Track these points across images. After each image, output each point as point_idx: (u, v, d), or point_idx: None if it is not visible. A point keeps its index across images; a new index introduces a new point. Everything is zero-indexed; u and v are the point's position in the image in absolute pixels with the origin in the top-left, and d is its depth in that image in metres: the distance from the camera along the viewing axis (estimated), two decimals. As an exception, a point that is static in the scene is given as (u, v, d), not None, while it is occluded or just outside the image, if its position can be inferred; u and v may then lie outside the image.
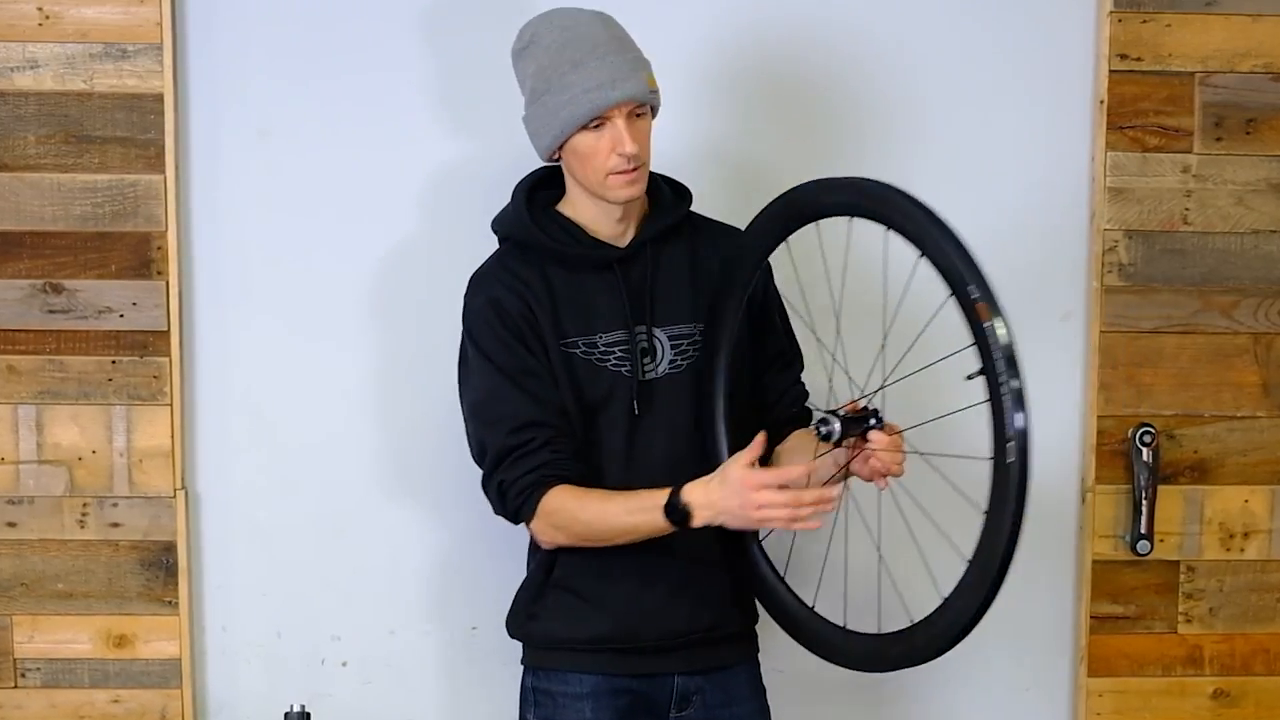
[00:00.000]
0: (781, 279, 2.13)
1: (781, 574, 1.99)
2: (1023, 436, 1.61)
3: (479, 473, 2.02)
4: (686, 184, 2.11)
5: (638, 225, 2.02)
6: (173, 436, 2.40)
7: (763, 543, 2.01)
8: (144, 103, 2.36)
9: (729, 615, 2.02)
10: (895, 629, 1.84)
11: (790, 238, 1.96)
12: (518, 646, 2.10)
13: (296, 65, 2.39)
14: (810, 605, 1.95)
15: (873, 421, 1.83)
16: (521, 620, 2.06)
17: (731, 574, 2.02)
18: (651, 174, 2.06)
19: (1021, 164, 2.46)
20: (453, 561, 2.45)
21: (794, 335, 2.14)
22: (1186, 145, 2.45)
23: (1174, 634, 2.52)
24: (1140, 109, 2.44)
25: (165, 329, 2.39)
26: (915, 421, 1.90)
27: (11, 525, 2.41)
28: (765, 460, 2.06)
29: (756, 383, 2.08)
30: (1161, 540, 2.47)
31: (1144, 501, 2.43)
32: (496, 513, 2.00)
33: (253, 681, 2.48)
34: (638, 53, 1.93)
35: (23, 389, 2.39)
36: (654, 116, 1.98)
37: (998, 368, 1.62)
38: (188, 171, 2.40)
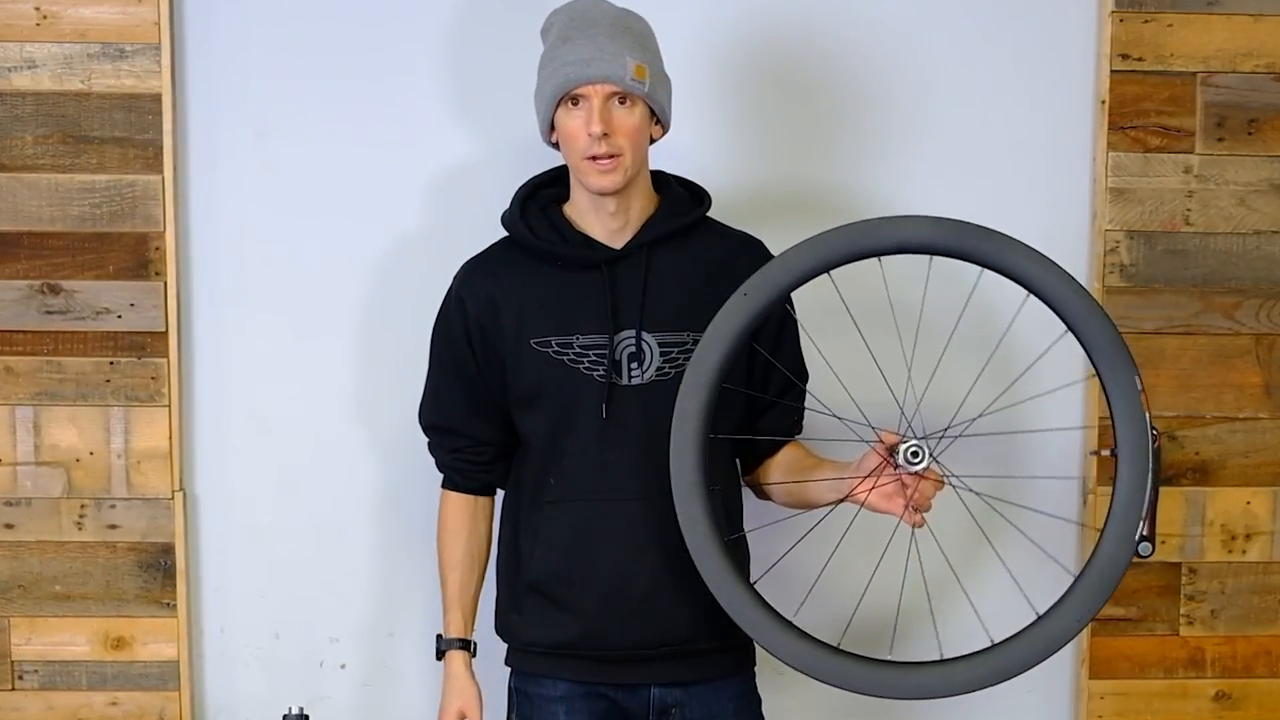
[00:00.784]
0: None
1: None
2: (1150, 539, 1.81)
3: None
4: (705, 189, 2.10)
5: (639, 226, 2.00)
6: (171, 438, 2.40)
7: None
8: (142, 103, 2.35)
9: (709, 629, 1.96)
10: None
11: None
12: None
13: (295, 65, 2.39)
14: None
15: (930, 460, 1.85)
16: (503, 621, 2.07)
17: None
18: (667, 175, 2.07)
19: (1022, 164, 2.46)
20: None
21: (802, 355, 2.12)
22: (1188, 146, 2.44)
23: (1176, 636, 2.51)
24: (1142, 109, 2.43)
25: (163, 330, 2.38)
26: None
27: (9, 527, 2.40)
28: (755, 462, 2.09)
29: (756, 402, 2.05)
30: (1163, 542, 2.45)
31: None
32: None
33: (251, 683, 2.47)
34: (637, 43, 1.90)
35: (20, 390, 2.39)
36: (664, 127, 1.96)
37: (1148, 465, 1.80)
38: (186, 172, 2.40)
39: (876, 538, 2.01)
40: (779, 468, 2.08)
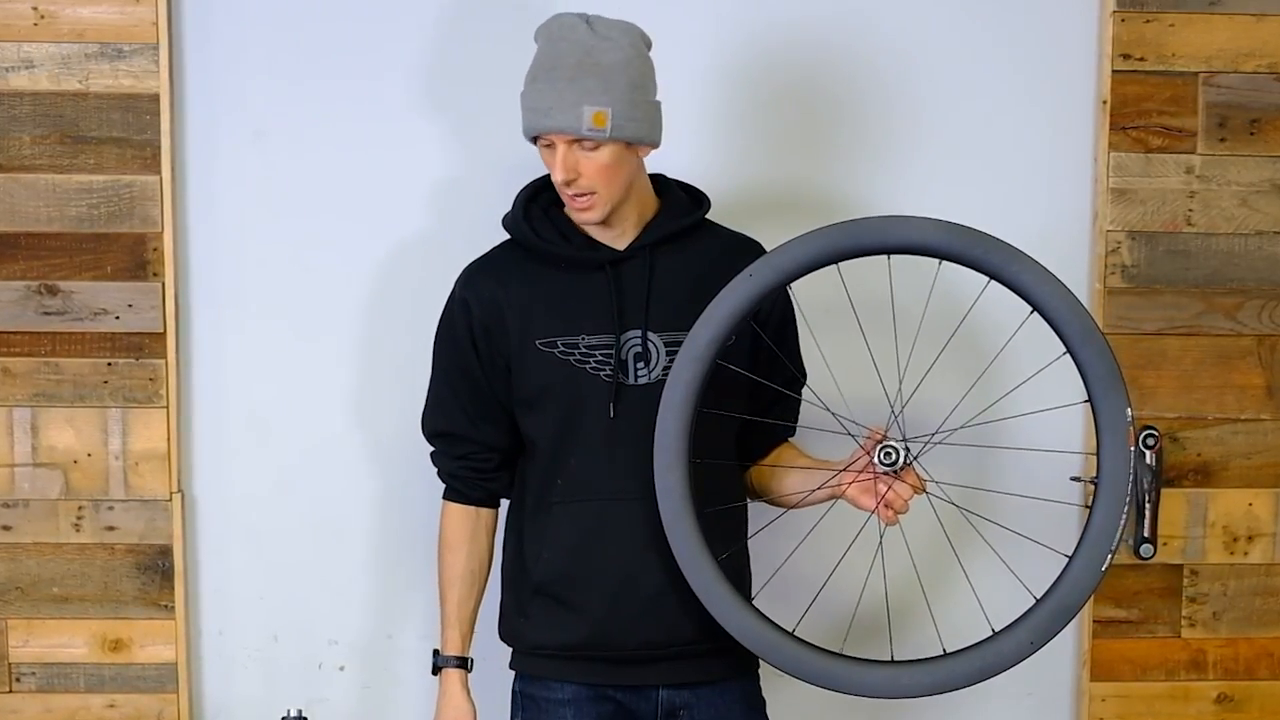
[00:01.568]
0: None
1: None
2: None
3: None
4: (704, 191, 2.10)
5: (640, 229, 2.00)
6: (169, 439, 2.39)
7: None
8: (140, 103, 2.34)
9: (714, 629, 1.94)
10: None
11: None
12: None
13: (293, 66, 2.38)
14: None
15: (910, 459, 1.88)
16: (508, 625, 2.07)
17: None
18: (667, 179, 2.07)
19: (1023, 164, 2.45)
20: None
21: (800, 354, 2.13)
22: (1190, 146, 2.43)
23: (1177, 638, 2.50)
24: (1143, 109, 2.42)
25: (161, 331, 2.38)
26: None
27: (6, 529, 2.40)
28: (747, 458, 2.09)
29: (755, 403, 2.05)
30: (1165, 544, 2.45)
31: (1147, 505, 2.41)
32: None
33: (250, 686, 2.47)
34: (601, 83, 1.85)
35: (18, 391, 2.38)
36: (649, 147, 1.95)
37: (1125, 498, 1.80)
38: (184, 172, 2.39)
39: (868, 537, 2.01)
40: (772, 468, 2.09)
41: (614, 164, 1.90)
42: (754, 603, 1.94)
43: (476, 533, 2.08)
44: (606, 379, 1.95)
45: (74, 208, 2.36)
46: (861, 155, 2.44)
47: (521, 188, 2.06)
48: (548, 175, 2.04)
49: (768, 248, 2.04)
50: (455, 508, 2.08)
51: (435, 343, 2.07)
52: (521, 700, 2.06)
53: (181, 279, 2.40)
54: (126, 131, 2.35)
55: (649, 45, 1.95)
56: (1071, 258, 2.44)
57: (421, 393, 2.10)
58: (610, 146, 1.88)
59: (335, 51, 2.38)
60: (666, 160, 2.07)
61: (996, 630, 1.87)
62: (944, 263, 1.85)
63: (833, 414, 1.98)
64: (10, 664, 2.42)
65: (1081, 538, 1.84)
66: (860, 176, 2.44)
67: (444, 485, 2.09)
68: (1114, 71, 2.41)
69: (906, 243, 1.83)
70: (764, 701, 2.12)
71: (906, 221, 1.84)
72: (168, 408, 2.39)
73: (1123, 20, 2.41)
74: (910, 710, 2.48)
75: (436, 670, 2.09)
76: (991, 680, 2.50)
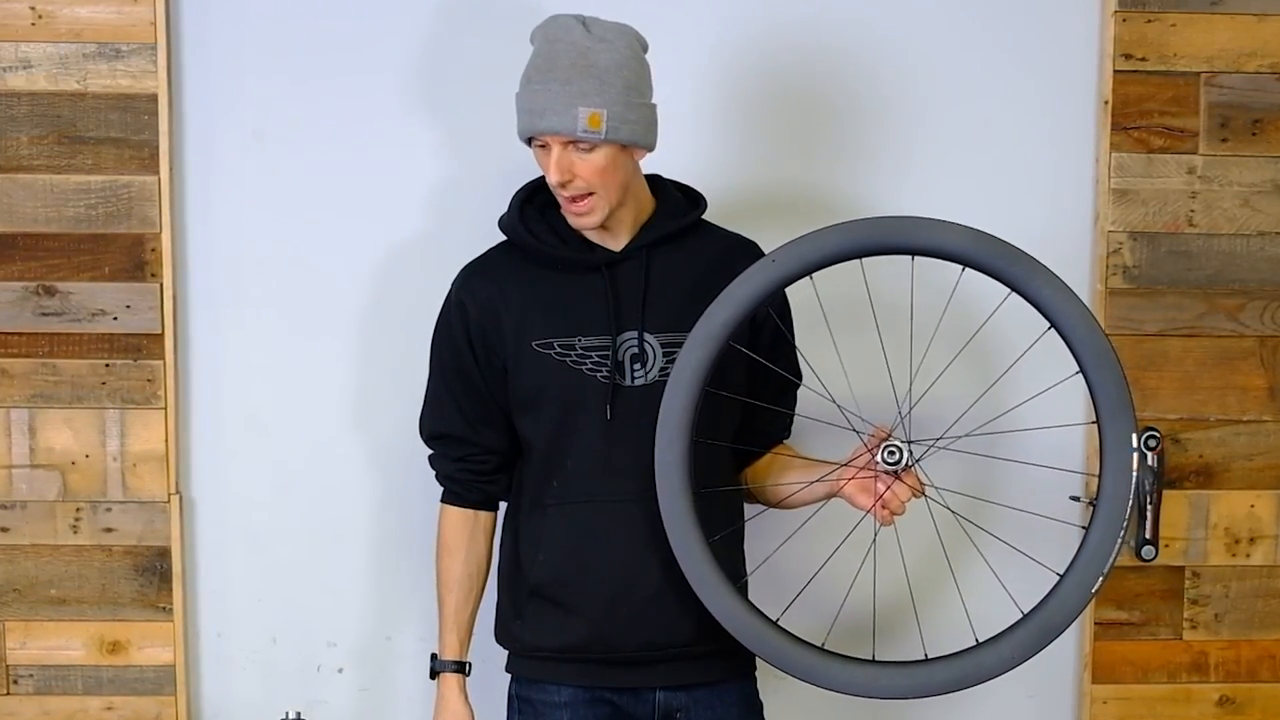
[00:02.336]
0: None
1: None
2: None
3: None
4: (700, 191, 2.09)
5: (636, 230, 2.00)
6: (167, 441, 2.38)
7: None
8: (138, 103, 2.34)
9: (714, 630, 1.94)
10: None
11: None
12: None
13: (292, 65, 2.38)
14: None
15: (912, 461, 1.88)
16: (504, 627, 2.06)
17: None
18: (663, 179, 2.07)
19: (1025, 165, 2.44)
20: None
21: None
22: (1192, 146, 2.43)
23: (1179, 640, 2.49)
24: (1145, 109, 2.42)
25: (159, 332, 2.37)
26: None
27: (4, 530, 2.39)
28: (746, 463, 2.09)
29: (752, 402, 2.04)
30: (1166, 545, 2.44)
31: (1148, 506, 2.40)
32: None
33: (248, 688, 2.46)
34: (597, 85, 1.84)
35: (15, 392, 2.37)
36: (644, 150, 1.94)
37: (1122, 523, 1.82)
38: (182, 173, 2.39)
39: (863, 535, 2.01)
40: (766, 467, 2.09)
41: (609, 166, 1.89)
42: (745, 593, 1.93)
43: (475, 535, 2.07)
44: (603, 380, 1.95)
45: (72, 208, 2.35)
46: (862, 156, 2.44)
47: (517, 189, 2.06)
48: (542, 176, 2.04)
49: (767, 249, 2.03)
50: (453, 510, 2.07)
51: (433, 345, 2.06)
52: (518, 703, 2.05)
53: (180, 280, 2.39)
54: (124, 132, 2.34)
55: (645, 47, 1.94)
56: (1073, 258, 2.44)
57: (420, 394, 2.09)
58: (605, 149, 1.87)
59: (334, 51, 2.38)
60: (665, 161, 2.06)
61: (980, 641, 1.86)
62: (966, 270, 1.85)
63: (840, 408, 1.97)
64: (8, 666, 2.41)
65: (1075, 558, 1.84)
66: (861, 177, 2.44)
67: (442, 488, 2.08)
68: (1115, 71, 2.40)
69: (934, 246, 1.83)
70: (761, 704, 2.11)
71: (936, 225, 1.83)
72: (166, 409, 2.38)
73: (1124, 20, 2.40)
74: (912, 710, 2.47)
75: (434, 675, 2.09)
76: (992, 682, 2.51)
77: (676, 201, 2.04)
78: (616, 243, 1.99)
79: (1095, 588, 1.82)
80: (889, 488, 1.88)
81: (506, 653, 2.08)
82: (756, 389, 2.04)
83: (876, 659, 1.89)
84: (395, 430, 2.36)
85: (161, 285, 2.36)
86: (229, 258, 2.40)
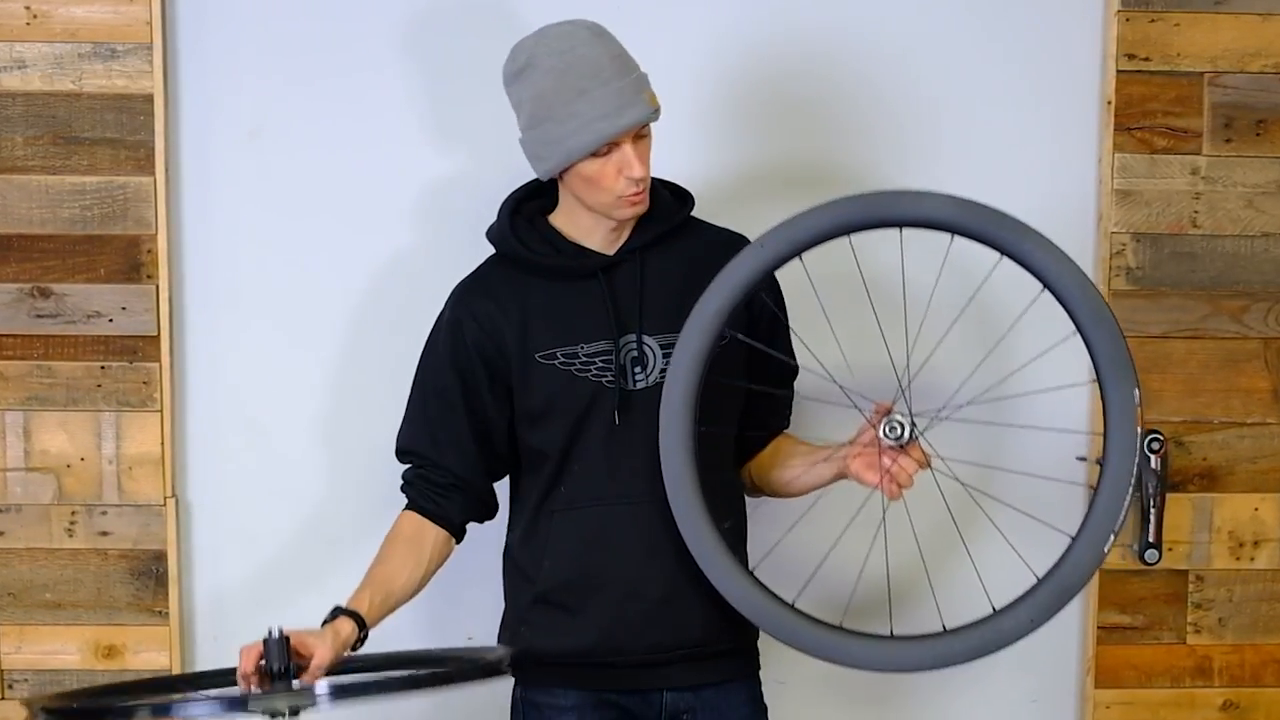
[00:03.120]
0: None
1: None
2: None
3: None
4: (688, 189, 2.08)
5: (629, 231, 1.99)
6: (163, 443, 2.37)
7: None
8: (133, 103, 2.33)
9: (720, 631, 1.96)
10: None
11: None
12: (511, 658, 2.08)
13: (288, 65, 2.37)
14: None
15: (915, 433, 1.88)
16: (509, 634, 2.05)
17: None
18: (651, 178, 2.03)
19: (1027, 165, 2.43)
20: (447, 570, 2.40)
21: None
22: (1195, 147, 2.41)
23: (1183, 644, 2.48)
24: (1148, 110, 2.40)
25: (155, 334, 2.36)
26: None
27: (-1, 534, 2.38)
28: (747, 455, 2.09)
29: (754, 387, 2.03)
30: (1170, 549, 2.43)
31: (1152, 509, 2.40)
32: None
33: (244, 693, 2.44)
34: (637, 70, 1.90)
35: (10, 395, 2.36)
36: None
37: (1130, 479, 1.80)
38: (178, 173, 2.38)
39: (871, 513, 2.01)
40: (770, 457, 2.09)
41: (650, 148, 1.93)
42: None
43: (421, 538, 2.00)
44: (608, 385, 1.94)
45: (67, 209, 2.34)
46: (864, 156, 2.43)
47: (503, 200, 2.04)
48: (528, 185, 2.04)
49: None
50: (406, 513, 2.03)
51: (419, 361, 2.05)
52: (523, 707, 2.04)
53: (176, 281, 2.38)
54: (120, 132, 2.33)
55: None
56: (1076, 259, 2.41)
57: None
58: (650, 131, 1.92)
59: (330, 51, 2.37)
60: (662, 157, 2.05)
61: (997, 609, 1.85)
62: (956, 239, 1.84)
63: (840, 387, 1.96)
64: (2, 671, 2.40)
65: (1085, 518, 1.83)
66: (861, 177, 2.42)
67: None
68: (1118, 72, 2.39)
69: (919, 217, 1.83)
70: (765, 707, 2.10)
71: (920, 196, 1.83)
72: (161, 411, 2.37)
73: (1127, 20, 2.39)
74: (915, 713, 2.47)
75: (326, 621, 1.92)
76: (994, 685, 2.51)
77: (665, 200, 2.03)
78: (610, 246, 1.99)
79: (1107, 546, 1.81)
80: (895, 462, 1.88)
81: (511, 659, 2.07)
82: (756, 379, 2.03)
83: (895, 634, 1.87)
84: (392, 432, 2.34)
85: (157, 287, 2.35)
86: (226, 259, 2.39)
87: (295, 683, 1.78)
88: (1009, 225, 1.81)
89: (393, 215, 2.40)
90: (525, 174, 2.05)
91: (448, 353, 2.00)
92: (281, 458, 2.42)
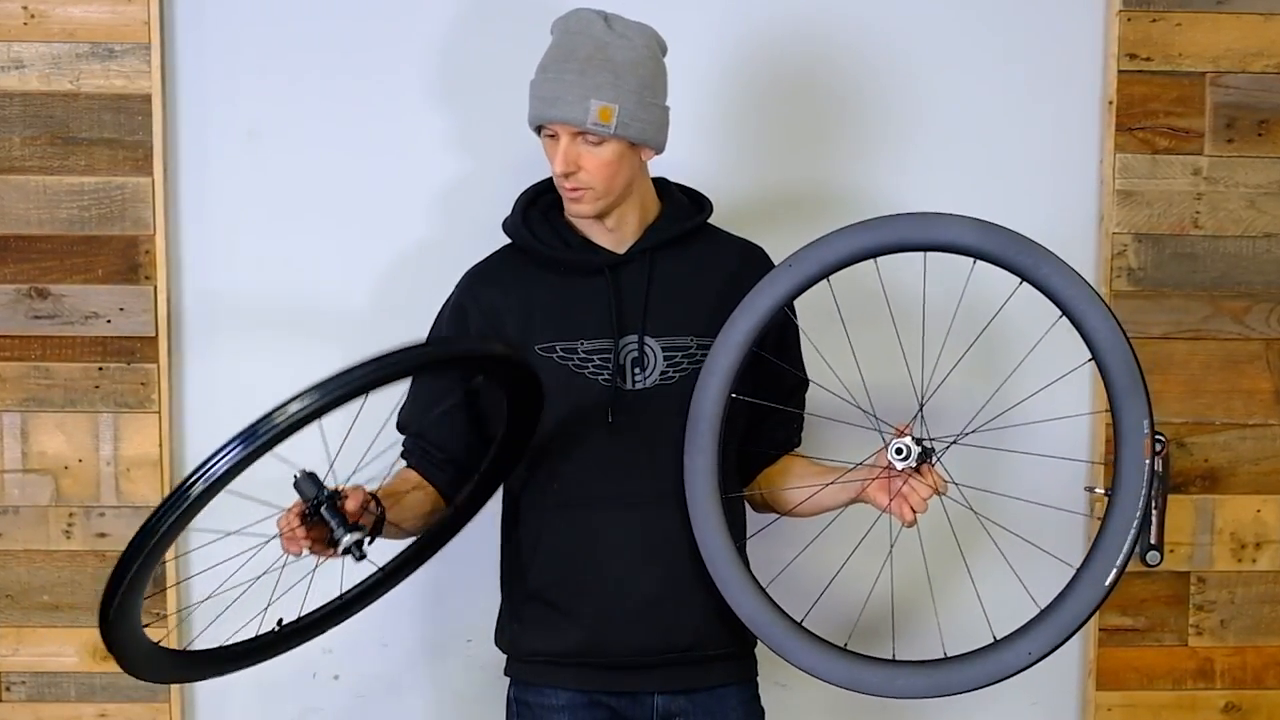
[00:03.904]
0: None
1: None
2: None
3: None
4: (707, 195, 2.07)
5: (641, 232, 1.98)
6: (161, 445, 2.37)
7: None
8: (131, 103, 2.32)
9: (713, 635, 1.95)
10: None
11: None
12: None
13: (287, 65, 2.36)
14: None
15: (933, 458, 1.87)
16: (503, 631, 2.05)
17: (716, 593, 1.96)
18: (668, 183, 2.06)
19: (1029, 166, 2.43)
20: (446, 573, 2.41)
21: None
22: (1197, 147, 2.41)
23: (1184, 646, 2.48)
24: (1150, 110, 2.40)
25: (153, 335, 2.35)
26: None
27: (-4, 535, 2.38)
28: (755, 472, 2.08)
29: (758, 411, 2.02)
30: (1171, 551, 2.43)
31: (1154, 511, 2.38)
32: None
33: (243, 695, 2.44)
34: (612, 79, 1.85)
35: (7, 396, 2.36)
36: (653, 150, 1.93)
37: (1137, 513, 1.79)
38: (176, 174, 2.37)
39: (879, 535, 2.00)
40: (780, 476, 2.07)
41: (615, 161, 1.88)
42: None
43: (423, 483, 2.00)
44: (605, 384, 1.93)
45: (65, 210, 2.33)
46: (866, 157, 2.42)
47: (521, 191, 2.04)
48: (548, 179, 2.02)
49: (771, 250, 2.02)
50: (406, 471, 2.02)
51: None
52: (516, 707, 2.04)
53: (174, 282, 2.38)
54: (118, 132, 2.33)
55: (664, 50, 1.94)
56: (1077, 260, 2.36)
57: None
58: (613, 143, 1.87)
59: (329, 51, 2.36)
60: (672, 163, 2.04)
61: (998, 639, 1.85)
62: (977, 263, 1.85)
63: (861, 410, 1.96)
64: (0, 673, 2.39)
65: (1091, 550, 1.82)
66: (864, 178, 2.42)
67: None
68: (1120, 72, 2.39)
69: (946, 241, 1.83)
70: (762, 710, 2.09)
71: (948, 220, 1.84)
72: (159, 413, 2.36)
73: (1129, 20, 2.38)
74: (916, 717, 2.46)
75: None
76: (997, 688, 2.49)
77: (682, 205, 2.03)
78: (620, 245, 1.98)
79: (1111, 581, 1.81)
80: (905, 483, 1.87)
81: (505, 657, 2.06)
82: (765, 394, 2.02)
83: (897, 658, 1.87)
84: (390, 434, 2.34)
85: (155, 288, 2.35)
86: (224, 259, 2.39)
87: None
88: (1031, 251, 1.81)
89: (391, 215, 2.39)
90: (529, 175, 2.04)
91: (447, 334, 2.00)
92: (279, 460, 2.41)
